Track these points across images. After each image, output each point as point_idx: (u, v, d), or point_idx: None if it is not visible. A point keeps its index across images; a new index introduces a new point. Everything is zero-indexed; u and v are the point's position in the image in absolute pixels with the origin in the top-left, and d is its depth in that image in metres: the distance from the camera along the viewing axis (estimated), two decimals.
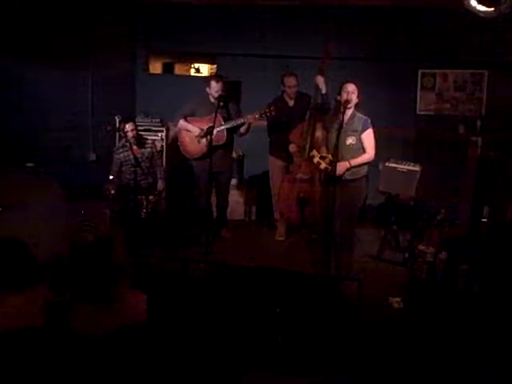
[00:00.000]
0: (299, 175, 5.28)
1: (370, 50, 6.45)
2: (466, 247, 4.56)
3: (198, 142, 5.28)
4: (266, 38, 6.46)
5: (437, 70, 6.53)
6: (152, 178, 5.45)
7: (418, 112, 6.61)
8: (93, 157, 6.46)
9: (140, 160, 5.18)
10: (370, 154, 4.40)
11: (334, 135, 4.29)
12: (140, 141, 5.43)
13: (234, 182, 6.18)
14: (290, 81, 5.42)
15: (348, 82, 4.38)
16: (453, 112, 6.50)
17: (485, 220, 5.14)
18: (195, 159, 5.36)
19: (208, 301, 3.39)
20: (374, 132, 4.43)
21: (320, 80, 5.10)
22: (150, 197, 5.19)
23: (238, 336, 3.02)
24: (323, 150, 4.53)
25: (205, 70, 7.83)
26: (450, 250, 4.41)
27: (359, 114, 4.43)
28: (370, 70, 6.38)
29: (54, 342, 1.55)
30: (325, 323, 3.23)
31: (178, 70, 7.69)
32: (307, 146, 5.11)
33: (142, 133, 5.82)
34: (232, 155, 5.76)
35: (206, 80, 5.39)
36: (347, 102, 4.30)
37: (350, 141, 4.36)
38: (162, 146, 6.42)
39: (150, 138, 5.80)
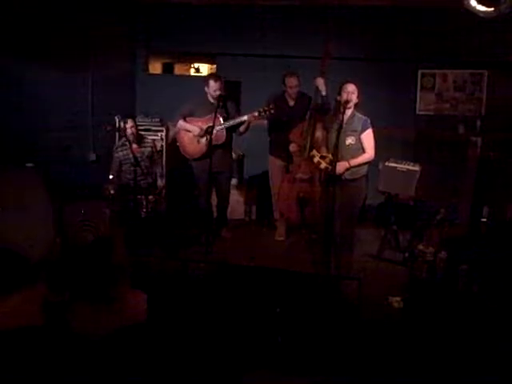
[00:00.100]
0: (299, 175, 5.28)
1: (370, 50, 6.46)
2: (466, 247, 4.57)
3: (198, 141, 5.27)
4: (266, 37, 6.47)
5: (436, 70, 6.53)
6: (152, 178, 5.45)
7: (417, 112, 6.61)
8: (93, 157, 6.46)
9: (140, 159, 5.18)
10: (369, 153, 4.40)
11: (333, 135, 4.29)
12: (139, 139, 5.43)
13: (234, 181, 6.19)
14: (292, 81, 5.41)
15: (348, 82, 4.38)
16: (452, 112, 6.50)
17: (484, 220, 5.14)
18: (195, 159, 5.35)
19: (208, 301, 3.39)
20: (374, 132, 4.44)
21: (320, 81, 5.10)
22: (150, 197, 5.18)
23: (238, 336, 3.03)
24: (323, 149, 4.54)
25: (205, 69, 7.84)
26: (450, 249, 4.42)
27: (359, 114, 4.43)
28: (370, 70, 6.38)
29: (53, 342, 1.55)
30: (325, 323, 3.23)
31: (178, 69, 7.70)
32: (307, 146, 5.11)
33: (142, 133, 5.83)
34: (232, 155, 5.76)
35: (204, 79, 5.38)
36: (347, 102, 4.31)
37: (350, 141, 4.37)
38: (162, 146, 6.43)
39: (149, 137, 5.81)
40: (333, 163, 4.24)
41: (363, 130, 4.38)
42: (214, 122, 4.96)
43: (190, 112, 5.33)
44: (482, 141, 5.62)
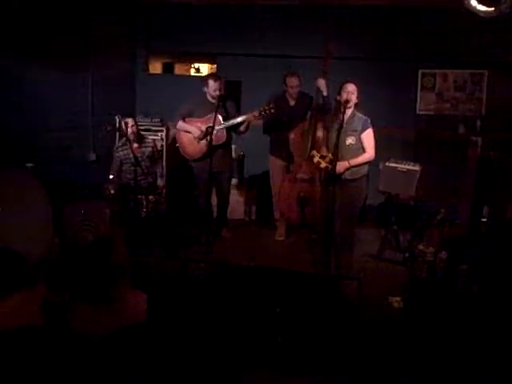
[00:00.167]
0: (300, 175, 5.28)
1: (370, 49, 6.45)
2: (466, 247, 4.56)
3: (198, 142, 5.27)
4: (266, 37, 6.47)
5: (437, 70, 6.53)
6: (152, 178, 5.45)
7: (417, 112, 6.61)
8: (93, 157, 6.46)
9: (140, 159, 5.18)
10: (369, 153, 4.41)
11: (334, 135, 4.30)
12: (140, 139, 5.44)
13: (234, 181, 6.18)
14: (293, 81, 5.41)
15: (348, 81, 4.38)
16: (453, 112, 6.50)
17: (485, 220, 5.14)
18: (195, 160, 5.35)
19: (208, 301, 3.39)
20: (374, 132, 4.44)
21: (321, 82, 5.10)
22: (150, 196, 5.18)
23: (238, 336, 3.03)
24: (323, 149, 4.55)
25: (205, 69, 7.84)
26: (450, 249, 4.42)
27: (359, 114, 4.43)
28: (370, 69, 6.38)
29: (53, 342, 1.55)
30: (325, 323, 3.23)
31: (178, 69, 7.70)
32: (308, 146, 5.11)
33: (143, 133, 5.82)
34: (232, 155, 5.76)
35: (203, 79, 5.38)
36: (347, 101, 4.31)
37: (350, 141, 4.37)
38: (162, 146, 6.43)
39: (150, 137, 5.81)
40: (333, 163, 4.24)
41: (363, 129, 4.38)
42: (213, 122, 4.96)
43: (188, 112, 5.32)
44: (482, 141, 5.62)
